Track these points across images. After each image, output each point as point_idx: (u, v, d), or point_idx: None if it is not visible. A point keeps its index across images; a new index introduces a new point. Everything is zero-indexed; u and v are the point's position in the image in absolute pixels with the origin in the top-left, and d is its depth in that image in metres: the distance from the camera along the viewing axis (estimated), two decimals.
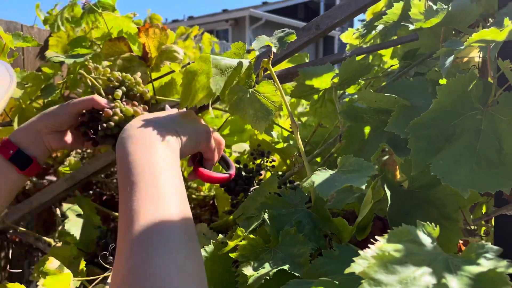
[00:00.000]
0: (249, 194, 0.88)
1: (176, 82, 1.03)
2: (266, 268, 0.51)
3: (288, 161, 1.06)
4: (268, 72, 0.69)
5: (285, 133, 1.24)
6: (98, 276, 0.73)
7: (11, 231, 1.12)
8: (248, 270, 0.52)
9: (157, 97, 1.07)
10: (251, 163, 0.98)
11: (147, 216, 0.46)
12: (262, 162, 0.97)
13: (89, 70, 0.82)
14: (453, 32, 0.81)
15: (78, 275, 0.72)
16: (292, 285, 0.46)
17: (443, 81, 0.63)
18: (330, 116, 0.84)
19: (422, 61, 0.82)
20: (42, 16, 1.68)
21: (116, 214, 1.11)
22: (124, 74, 0.84)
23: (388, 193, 0.60)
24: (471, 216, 0.76)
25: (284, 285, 0.46)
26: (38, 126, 0.74)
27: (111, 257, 0.81)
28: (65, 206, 0.95)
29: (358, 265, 0.36)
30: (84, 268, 0.74)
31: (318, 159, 0.95)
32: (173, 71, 1.05)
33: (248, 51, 1.18)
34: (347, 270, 0.36)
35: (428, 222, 0.40)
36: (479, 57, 0.78)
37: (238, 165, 0.96)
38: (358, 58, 0.80)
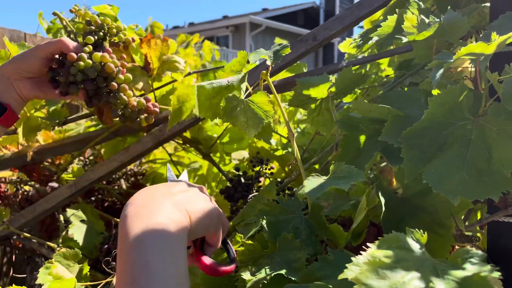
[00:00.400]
0: (248, 200, 0.90)
1: None
2: (264, 273, 0.53)
3: (286, 169, 1.09)
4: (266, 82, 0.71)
5: (284, 141, 1.26)
6: (101, 281, 0.75)
7: (14, 237, 1.14)
8: (246, 275, 0.54)
9: (159, 106, 1.09)
10: (250, 170, 1.01)
11: None
12: (261, 169, 0.99)
13: (71, 11, 0.76)
14: (447, 43, 0.83)
15: (82, 280, 0.74)
16: None
17: (435, 92, 0.66)
18: (327, 125, 0.86)
19: (417, 72, 0.85)
20: (45, 24, 1.71)
21: (118, 220, 1.13)
22: (104, 18, 0.77)
23: (383, 200, 0.62)
24: (466, 222, 0.79)
25: None
26: (7, 72, 0.71)
27: (113, 263, 0.83)
28: (69, 211, 0.97)
29: (350, 271, 0.38)
30: (88, 273, 0.76)
31: (317, 166, 0.97)
32: (174, 81, 1.08)
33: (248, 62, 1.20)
34: (340, 276, 0.38)
35: (416, 229, 0.42)
36: (471, 67, 0.81)
37: (237, 172, 0.98)
38: (354, 68, 0.82)
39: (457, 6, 0.90)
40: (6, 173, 1.27)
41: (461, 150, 0.57)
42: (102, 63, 0.75)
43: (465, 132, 0.59)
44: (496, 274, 0.35)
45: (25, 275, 1.30)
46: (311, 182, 0.59)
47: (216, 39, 18.07)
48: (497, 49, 0.57)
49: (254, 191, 0.94)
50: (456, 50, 0.72)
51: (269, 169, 1.00)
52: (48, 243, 0.94)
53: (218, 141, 1.17)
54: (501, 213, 0.69)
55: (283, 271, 0.52)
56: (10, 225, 1.02)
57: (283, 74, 1.12)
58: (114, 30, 0.77)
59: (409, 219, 0.64)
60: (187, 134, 1.14)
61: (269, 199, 0.74)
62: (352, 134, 0.73)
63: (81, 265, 0.77)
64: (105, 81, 0.76)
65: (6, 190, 1.26)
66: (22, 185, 1.25)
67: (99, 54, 0.70)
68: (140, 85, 0.88)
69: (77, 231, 0.95)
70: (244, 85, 0.67)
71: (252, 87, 0.67)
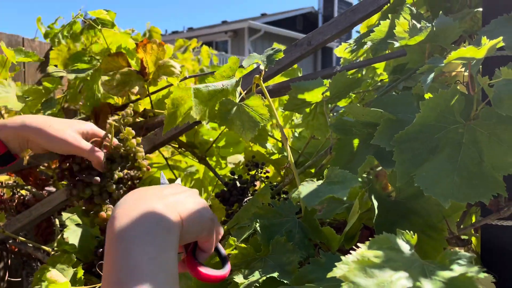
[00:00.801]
0: (243, 204, 0.90)
1: None
2: (256, 276, 0.53)
3: (282, 172, 1.09)
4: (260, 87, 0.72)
5: (280, 145, 1.26)
6: (95, 285, 0.75)
7: (10, 241, 1.13)
8: (239, 278, 0.54)
9: (155, 110, 1.10)
10: (246, 174, 1.01)
11: None
12: (257, 173, 1.00)
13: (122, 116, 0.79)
14: (440, 48, 0.84)
15: (76, 284, 0.74)
16: None
17: (427, 96, 0.66)
18: (322, 129, 0.87)
19: (410, 76, 0.85)
20: (43, 29, 1.72)
21: None
22: (132, 146, 0.81)
23: (375, 203, 0.62)
24: (462, 225, 0.79)
25: None
26: (29, 137, 0.71)
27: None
28: (65, 215, 0.97)
29: (339, 270, 0.38)
30: (82, 277, 0.76)
31: (312, 170, 0.98)
32: (170, 85, 1.08)
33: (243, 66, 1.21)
34: (329, 275, 0.39)
35: (407, 231, 0.42)
36: (465, 71, 0.81)
37: (233, 176, 0.98)
38: (350, 72, 0.83)
39: (451, 11, 0.91)
40: (3, 177, 1.27)
41: (453, 153, 0.58)
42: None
43: (456, 136, 0.59)
44: (483, 275, 0.35)
45: (21, 279, 1.30)
46: (306, 187, 0.59)
47: (215, 44, 18.14)
48: (487, 53, 0.57)
49: (250, 195, 0.94)
50: (448, 55, 0.73)
51: (265, 173, 1.01)
52: (44, 247, 0.94)
53: (214, 145, 1.18)
54: (493, 216, 0.69)
55: (275, 274, 0.52)
56: (6, 229, 1.02)
57: (279, 79, 1.13)
58: (136, 159, 0.83)
59: (402, 222, 0.64)
60: (183, 138, 1.15)
61: (264, 202, 0.75)
62: (345, 137, 0.73)
63: (75, 269, 0.77)
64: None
65: (2, 194, 1.27)
66: (18, 190, 1.26)
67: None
68: (136, 89, 0.88)
69: (72, 234, 0.95)
70: (238, 89, 0.67)
71: (245, 92, 0.67)
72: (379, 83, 1.01)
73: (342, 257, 0.39)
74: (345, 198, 0.50)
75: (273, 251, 0.58)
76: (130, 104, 0.87)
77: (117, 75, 0.97)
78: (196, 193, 0.58)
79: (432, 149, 0.59)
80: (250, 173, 1.00)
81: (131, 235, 0.44)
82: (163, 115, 1.01)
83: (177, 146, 1.18)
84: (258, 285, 0.51)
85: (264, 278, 0.52)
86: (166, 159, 1.28)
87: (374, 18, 1.14)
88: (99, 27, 1.10)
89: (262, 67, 0.64)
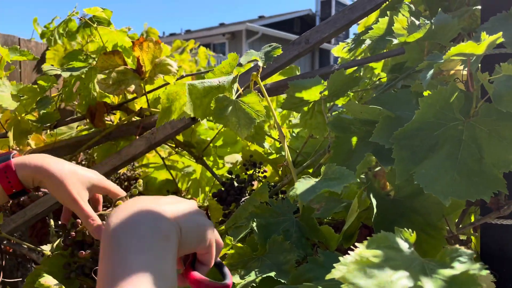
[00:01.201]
0: (241, 204, 0.89)
1: None
2: (253, 275, 0.52)
3: (280, 172, 1.08)
4: (258, 85, 0.71)
5: (278, 144, 1.25)
6: (90, 287, 0.74)
7: (5, 242, 1.12)
8: (235, 278, 0.53)
9: (151, 109, 1.09)
10: (243, 173, 1.00)
11: None
12: (254, 172, 0.99)
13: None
14: (439, 46, 0.84)
15: (70, 287, 0.73)
16: None
17: (426, 93, 0.66)
18: (320, 127, 0.86)
19: (409, 74, 0.85)
20: (40, 30, 1.70)
21: None
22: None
23: (374, 202, 0.61)
24: (460, 225, 0.78)
25: None
26: (43, 181, 0.71)
27: None
28: None
29: (337, 271, 0.37)
30: (77, 280, 0.75)
31: (310, 170, 0.97)
32: (167, 84, 1.07)
33: (241, 64, 1.20)
34: (328, 276, 0.38)
35: (406, 229, 0.41)
36: (464, 70, 0.81)
37: (230, 176, 0.97)
38: (349, 71, 0.82)
39: (449, 9, 0.90)
40: None
41: (452, 150, 0.57)
42: None
43: (456, 133, 0.58)
44: (485, 272, 0.34)
45: (16, 280, 1.29)
46: (302, 184, 0.58)
47: (213, 46, 18.14)
48: (487, 49, 0.57)
49: (247, 194, 0.93)
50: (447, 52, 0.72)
51: (262, 173, 1.00)
52: (40, 248, 0.92)
53: (211, 144, 1.16)
54: (493, 214, 0.68)
55: (272, 274, 0.52)
56: (0, 230, 1.00)
57: (276, 78, 1.12)
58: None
59: (401, 220, 0.63)
60: (180, 137, 1.14)
61: (262, 201, 0.74)
62: (344, 135, 0.73)
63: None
64: None
65: None
66: None
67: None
68: (132, 87, 0.87)
69: None
70: (235, 86, 0.66)
71: (242, 89, 0.66)
72: (377, 82, 1.00)
73: (341, 258, 0.38)
74: (339, 192, 0.49)
75: (270, 250, 0.57)
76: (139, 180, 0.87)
77: (113, 74, 0.95)
78: (194, 204, 0.55)
79: (432, 147, 0.58)
80: (248, 172, 0.99)
81: (127, 242, 0.42)
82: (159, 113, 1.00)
83: (174, 145, 1.17)
84: (255, 285, 0.50)
85: (261, 277, 0.51)
86: (163, 159, 1.27)
87: (372, 18, 1.13)
88: (95, 25, 1.09)
89: (260, 63, 0.63)
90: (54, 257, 0.86)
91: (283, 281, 0.51)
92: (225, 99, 0.61)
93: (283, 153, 1.17)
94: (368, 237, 0.65)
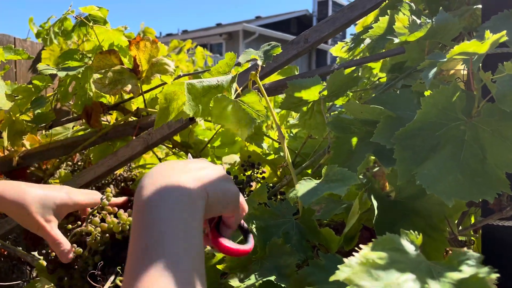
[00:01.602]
0: None
1: None
2: (253, 279, 0.51)
3: (278, 173, 1.07)
4: (257, 84, 0.70)
5: (276, 145, 1.24)
6: None
7: None
8: (234, 282, 0.52)
9: (148, 109, 1.07)
10: (242, 174, 0.99)
11: None
12: (253, 173, 0.98)
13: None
14: (439, 46, 0.83)
15: None
16: None
17: (428, 93, 0.65)
18: (319, 128, 0.85)
19: (409, 74, 0.84)
20: (35, 29, 1.69)
21: None
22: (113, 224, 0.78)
23: (375, 203, 0.60)
24: (460, 227, 0.77)
25: None
26: (4, 210, 0.72)
27: (99, 272, 0.80)
28: None
29: (342, 272, 0.36)
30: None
31: (309, 171, 0.96)
32: (164, 83, 1.06)
33: (239, 64, 1.19)
34: (332, 278, 0.36)
35: (411, 231, 0.40)
36: (464, 69, 0.80)
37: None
38: (347, 71, 0.81)
39: (449, 8, 0.90)
40: None
41: (455, 150, 0.56)
42: None
43: (458, 133, 0.57)
44: (494, 276, 0.33)
45: (11, 283, 1.27)
46: (304, 186, 0.57)
47: (210, 47, 18.11)
48: (490, 47, 0.56)
49: (245, 195, 0.92)
50: (448, 52, 0.72)
51: (261, 173, 0.99)
52: (33, 254, 0.91)
53: (209, 145, 1.15)
54: (495, 216, 0.67)
55: (272, 278, 0.50)
56: None
57: (274, 77, 1.11)
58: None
59: (402, 222, 0.62)
60: (177, 138, 1.12)
61: (260, 202, 0.72)
62: (344, 136, 0.72)
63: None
64: None
65: None
66: None
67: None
68: (129, 87, 0.86)
69: None
70: (234, 86, 0.65)
71: (241, 88, 0.65)
72: (377, 82, 0.99)
73: (345, 259, 0.37)
74: (342, 195, 0.48)
75: (270, 253, 0.56)
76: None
77: (109, 73, 0.94)
78: (222, 169, 0.58)
79: (434, 147, 0.57)
80: (246, 173, 0.97)
81: (159, 204, 0.45)
82: (156, 114, 0.99)
83: (171, 146, 1.16)
84: None
85: (260, 281, 0.50)
86: (160, 159, 1.26)
87: (370, 17, 1.12)
88: (91, 24, 1.07)
89: (259, 62, 0.62)
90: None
91: (283, 285, 0.49)
92: (224, 99, 0.60)
93: (281, 154, 1.16)
94: (369, 239, 0.65)
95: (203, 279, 0.43)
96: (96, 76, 0.99)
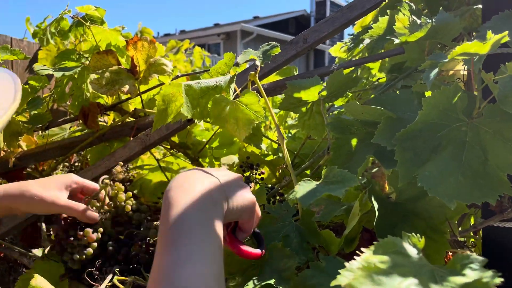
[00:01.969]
0: None
1: None
2: (252, 284, 0.50)
3: (277, 174, 1.06)
4: (256, 85, 0.69)
5: (275, 146, 1.24)
6: None
7: None
8: (234, 286, 0.51)
9: (146, 110, 1.06)
10: None
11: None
12: (251, 174, 0.97)
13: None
14: (439, 46, 0.82)
15: None
16: None
17: (428, 93, 0.64)
18: (318, 128, 0.84)
19: (409, 74, 0.83)
20: (32, 29, 1.68)
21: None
22: (121, 201, 0.86)
23: (376, 205, 0.60)
24: (459, 228, 0.77)
25: None
26: (10, 205, 0.78)
27: (97, 272, 0.80)
28: None
29: (343, 277, 0.35)
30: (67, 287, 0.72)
31: (308, 172, 0.95)
32: (162, 84, 1.05)
33: (237, 64, 1.18)
34: (333, 283, 0.36)
35: (413, 234, 0.39)
36: (464, 70, 0.80)
37: None
38: (347, 71, 0.80)
39: (449, 8, 0.89)
40: None
41: (456, 152, 0.56)
42: None
43: (460, 134, 0.57)
44: (498, 280, 0.32)
45: (8, 286, 1.25)
46: (303, 187, 0.57)
47: (208, 47, 18.10)
48: (492, 48, 0.55)
49: None
50: (448, 52, 0.71)
51: (260, 174, 0.98)
52: (31, 252, 0.90)
53: (207, 145, 1.14)
54: (496, 217, 0.67)
55: (272, 281, 0.50)
56: None
57: (273, 78, 1.10)
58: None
59: (403, 224, 0.61)
60: (175, 138, 1.11)
61: (259, 204, 0.72)
62: (343, 137, 0.71)
63: (64, 277, 0.73)
64: None
65: None
66: None
67: None
68: (126, 88, 0.85)
69: None
70: (233, 86, 0.64)
71: (240, 89, 0.65)
72: (376, 83, 0.98)
73: (346, 264, 0.36)
74: (341, 196, 0.48)
75: (270, 256, 0.55)
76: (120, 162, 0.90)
77: (106, 74, 0.93)
78: (241, 178, 0.62)
79: (435, 148, 0.57)
80: (245, 174, 0.97)
81: (185, 204, 0.50)
82: (154, 114, 0.98)
83: (169, 147, 1.15)
84: None
85: (260, 285, 0.49)
86: (157, 160, 1.25)
87: (369, 18, 1.12)
88: (88, 24, 1.06)
89: (258, 63, 0.61)
90: (45, 262, 0.84)
91: None
92: (223, 100, 0.59)
93: (280, 155, 1.16)
94: (369, 241, 0.64)
95: (223, 280, 0.46)
96: (93, 76, 0.98)
